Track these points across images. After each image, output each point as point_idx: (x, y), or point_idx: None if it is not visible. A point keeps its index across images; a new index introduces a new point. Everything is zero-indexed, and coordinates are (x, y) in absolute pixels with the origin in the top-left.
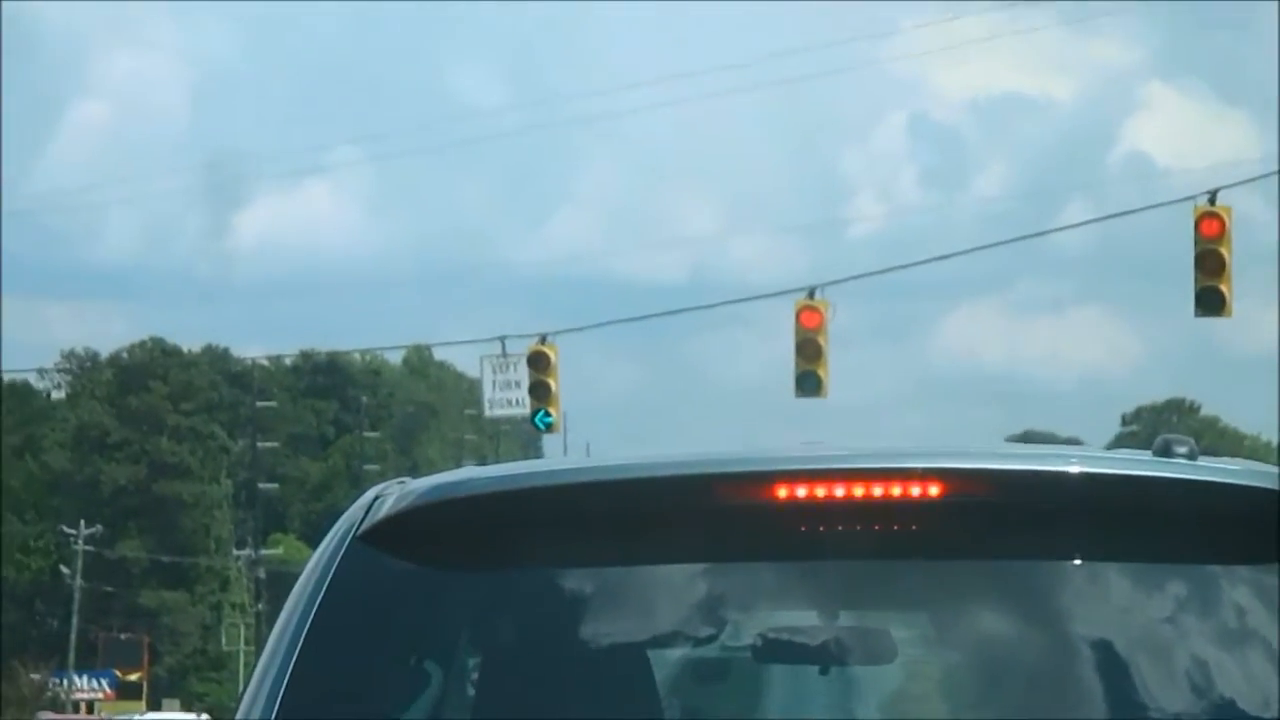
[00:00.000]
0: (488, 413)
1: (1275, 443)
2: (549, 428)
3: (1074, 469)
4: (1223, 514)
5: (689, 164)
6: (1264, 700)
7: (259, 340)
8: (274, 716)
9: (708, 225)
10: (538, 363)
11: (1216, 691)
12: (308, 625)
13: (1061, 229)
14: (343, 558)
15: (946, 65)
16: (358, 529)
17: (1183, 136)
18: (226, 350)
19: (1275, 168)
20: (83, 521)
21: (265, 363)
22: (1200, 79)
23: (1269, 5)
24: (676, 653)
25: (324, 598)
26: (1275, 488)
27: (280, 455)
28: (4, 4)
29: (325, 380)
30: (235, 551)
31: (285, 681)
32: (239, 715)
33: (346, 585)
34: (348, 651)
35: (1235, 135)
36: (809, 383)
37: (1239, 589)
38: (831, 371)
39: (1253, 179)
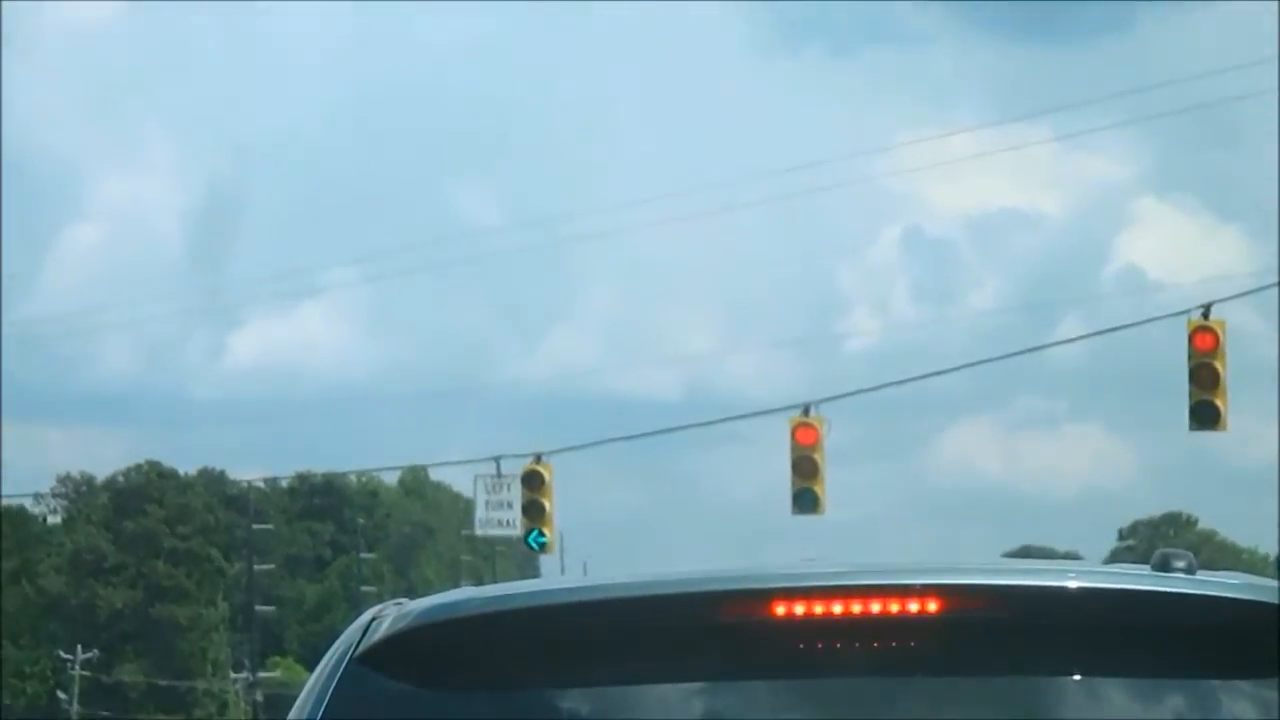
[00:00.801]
0: (479, 532)
1: (1273, 556)
2: (543, 547)
3: (1072, 584)
4: (1222, 628)
5: (684, 282)
6: None
7: (255, 463)
8: None
9: (703, 343)
10: (532, 481)
11: None
12: None
13: (1056, 344)
14: (340, 679)
15: (940, 181)
16: (355, 650)
17: (1175, 251)
18: (222, 473)
19: (1269, 281)
20: (79, 646)
21: (261, 485)
22: (1192, 194)
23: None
24: None
25: (322, 719)
26: (1274, 601)
27: (277, 577)
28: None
29: (321, 502)
30: (233, 674)
31: None
32: None
33: (344, 707)
34: None
35: (1227, 250)
36: (806, 500)
37: (1239, 703)
38: (828, 488)
39: (1246, 293)
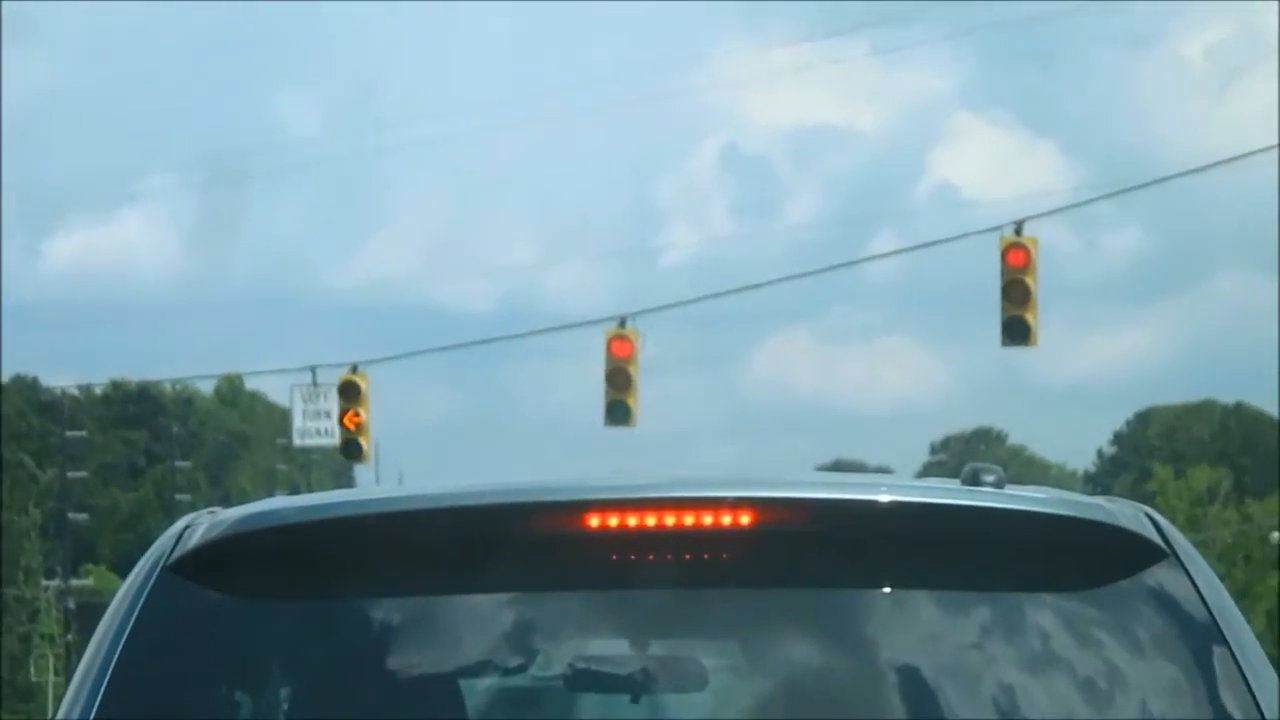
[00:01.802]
0: (297, 442)
1: (1080, 471)
2: (360, 456)
3: (883, 497)
4: (1029, 541)
5: (503, 193)
6: None
7: (69, 370)
8: None
9: (521, 254)
10: (348, 392)
11: (1023, 717)
12: (116, 656)
13: (870, 259)
14: (152, 588)
15: (758, 95)
16: (167, 559)
17: (990, 168)
18: (35, 379)
19: (1081, 198)
20: None
21: (75, 392)
22: (1008, 110)
23: (1075, 40)
24: (488, 682)
25: (133, 628)
26: (1078, 515)
27: (90, 485)
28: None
29: (136, 409)
30: (44, 582)
31: (94, 712)
32: None
33: (156, 616)
34: (157, 682)
35: (1042, 167)
36: (619, 412)
37: (1045, 615)
38: (642, 401)
39: (1057, 210)
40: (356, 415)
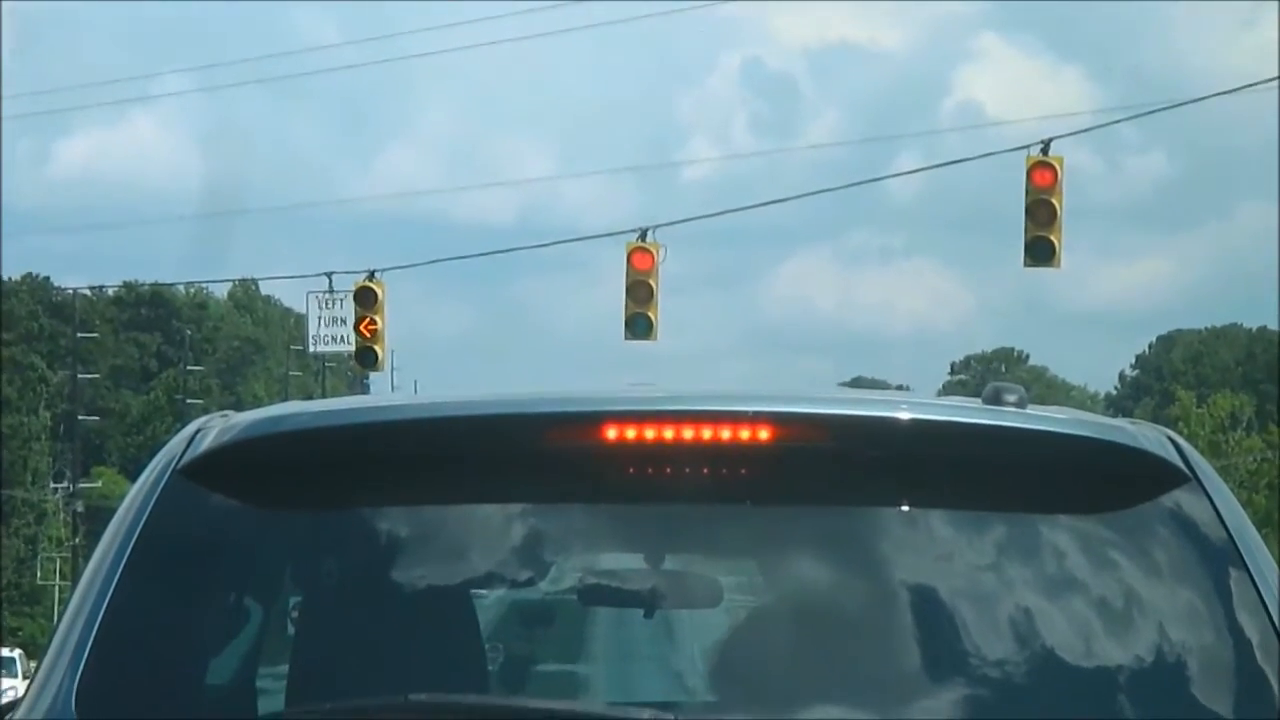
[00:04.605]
0: (312, 349)
1: (1102, 394)
2: (374, 364)
3: (904, 415)
4: (1050, 462)
5: (523, 104)
6: (1086, 648)
7: (82, 272)
8: (88, 651)
9: (541, 166)
10: (365, 299)
11: (1039, 639)
12: (125, 560)
13: (893, 176)
14: (162, 492)
15: (780, 11)
16: (178, 463)
17: (1015, 89)
18: (47, 279)
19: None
20: None
21: (87, 293)
22: (1034, 33)
23: None
24: (502, 595)
25: (142, 532)
26: (1100, 437)
27: (101, 388)
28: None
29: (149, 313)
30: (53, 484)
31: (101, 616)
32: (53, 649)
33: (165, 520)
34: (165, 586)
35: (1067, 90)
36: (639, 325)
37: (1064, 537)
38: (662, 316)
39: (1083, 130)
40: (372, 323)
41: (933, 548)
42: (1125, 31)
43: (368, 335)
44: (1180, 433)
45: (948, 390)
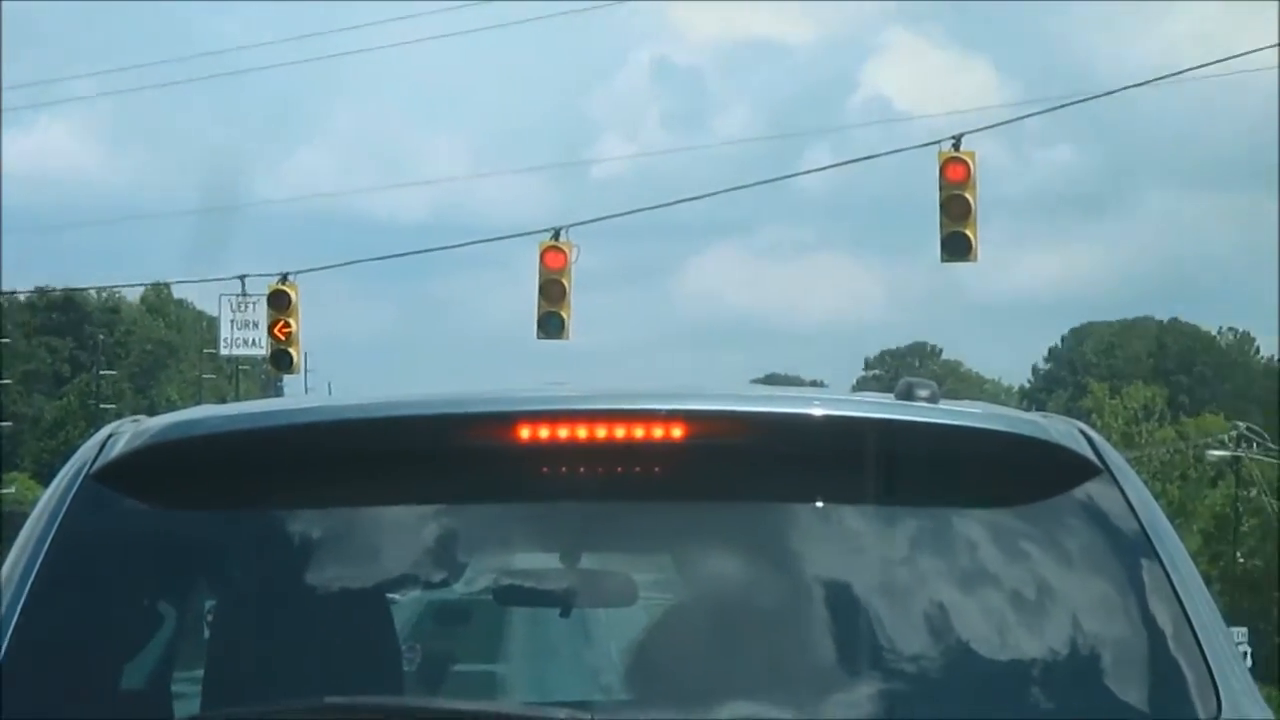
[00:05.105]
0: (225, 351)
1: (1015, 388)
2: (289, 367)
3: (817, 411)
4: (963, 457)
5: (435, 104)
6: (1001, 641)
7: None
8: (2, 657)
9: (454, 165)
10: (278, 301)
11: (955, 633)
12: (38, 565)
13: (805, 173)
14: (75, 496)
15: (689, 7)
16: (91, 467)
17: (924, 82)
18: None
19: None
20: None
21: None
22: (941, 25)
23: None
24: (418, 595)
25: (55, 537)
26: (1012, 431)
27: (14, 393)
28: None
29: (61, 318)
30: None
31: (15, 621)
32: None
33: (79, 525)
34: (79, 592)
35: (977, 82)
36: (552, 324)
37: (978, 530)
38: (576, 313)
39: (994, 125)
40: (286, 325)
41: (847, 543)
42: (1032, 25)
43: (282, 338)
44: (1094, 425)
45: (862, 386)
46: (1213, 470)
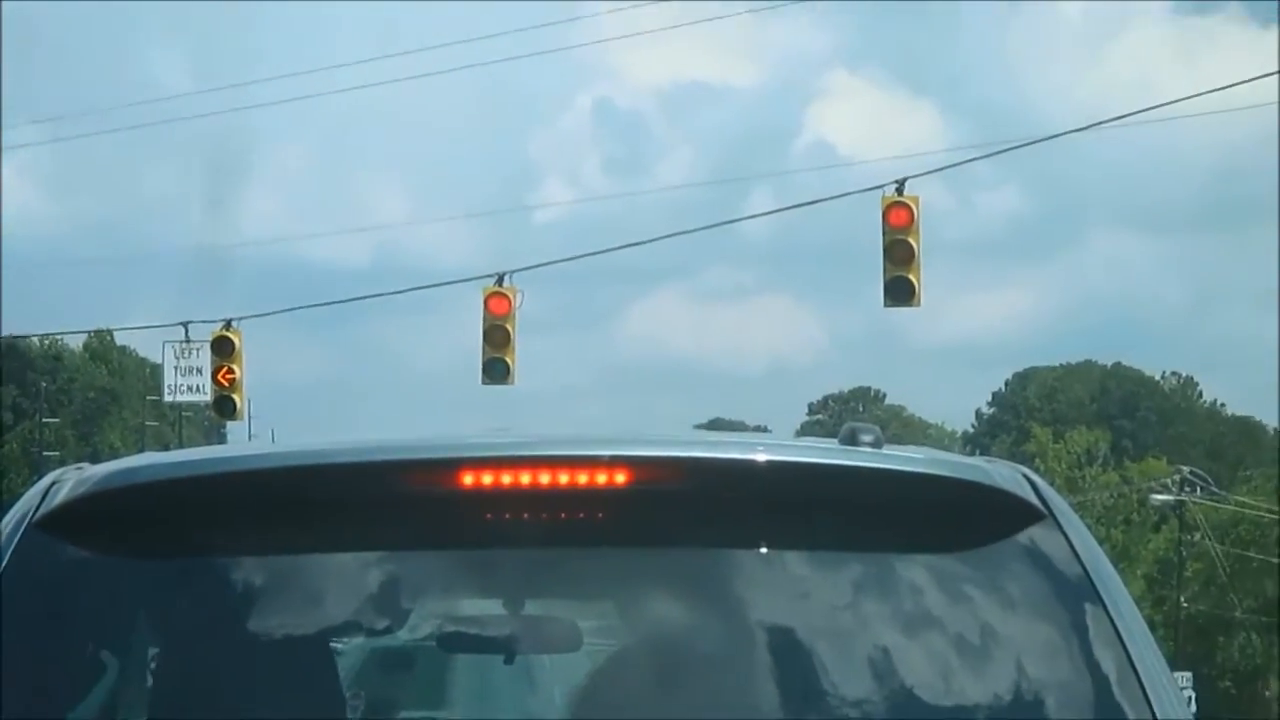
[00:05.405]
0: (169, 398)
1: (959, 432)
2: (233, 413)
3: (760, 457)
4: (907, 502)
5: (376, 150)
6: (945, 686)
7: None
8: None
9: (396, 210)
10: (222, 348)
11: (898, 678)
12: None
13: (749, 217)
14: (17, 545)
15: (632, 52)
16: (34, 516)
17: (867, 126)
18: None
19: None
20: None
21: None
22: (885, 69)
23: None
24: (360, 643)
25: None
26: (955, 476)
27: None
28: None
29: (2, 365)
30: None
31: None
32: None
33: (21, 573)
34: (22, 641)
35: (920, 126)
36: (496, 369)
37: (922, 576)
38: (519, 359)
39: (937, 169)
40: (230, 372)
41: (791, 588)
42: (977, 69)
43: (225, 384)
44: (1037, 469)
45: (805, 430)
46: (1156, 515)
